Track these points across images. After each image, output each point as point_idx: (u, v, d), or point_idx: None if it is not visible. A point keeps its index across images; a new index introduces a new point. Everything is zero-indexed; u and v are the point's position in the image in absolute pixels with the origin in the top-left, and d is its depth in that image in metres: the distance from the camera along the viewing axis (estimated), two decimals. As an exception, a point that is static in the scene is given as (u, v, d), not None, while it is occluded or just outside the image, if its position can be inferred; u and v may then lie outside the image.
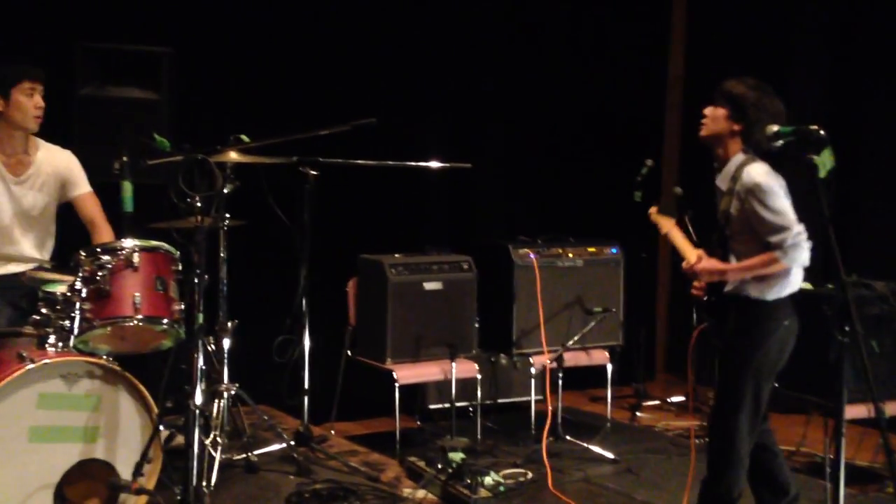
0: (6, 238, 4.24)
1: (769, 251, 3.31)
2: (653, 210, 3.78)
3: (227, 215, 4.26)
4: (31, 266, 4.19)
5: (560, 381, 4.94)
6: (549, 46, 6.21)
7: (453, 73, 5.97)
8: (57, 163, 4.36)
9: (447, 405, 5.08)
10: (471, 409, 5.09)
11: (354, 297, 5.13)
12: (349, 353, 5.08)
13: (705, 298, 3.49)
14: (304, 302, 4.49)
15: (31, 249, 4.28)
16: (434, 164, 4.96)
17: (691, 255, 3.51)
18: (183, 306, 3.87)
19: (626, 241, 5.41)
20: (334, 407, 5.02)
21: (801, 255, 3.32)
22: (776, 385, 3.48)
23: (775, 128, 3.25)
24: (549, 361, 4.92)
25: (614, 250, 5.42)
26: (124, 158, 4.22)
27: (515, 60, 6.13)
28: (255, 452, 4.37)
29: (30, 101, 4.17)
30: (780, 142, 3.22)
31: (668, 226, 3.68)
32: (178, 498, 3.61)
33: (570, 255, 5.30)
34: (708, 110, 3.47)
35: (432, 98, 5.89)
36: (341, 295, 5.13)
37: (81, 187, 4.39)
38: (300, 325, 4.49)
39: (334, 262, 5.09)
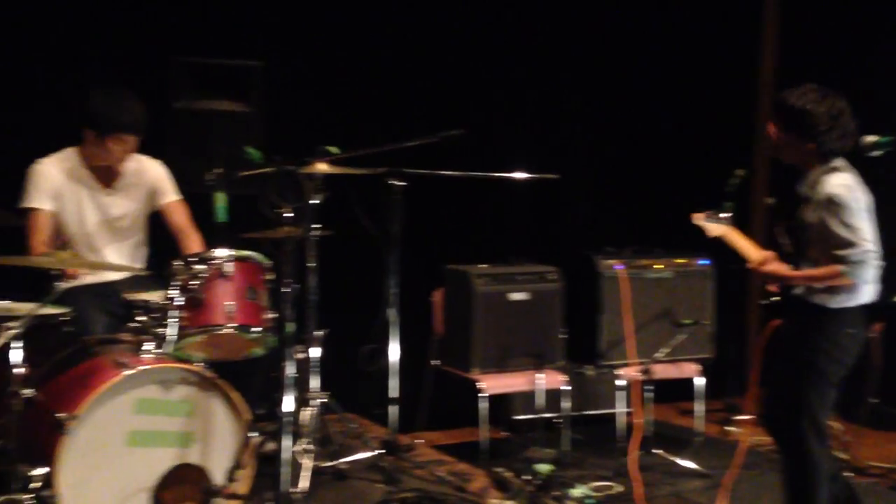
0: (96, 246, 4.39)
1: (835, 264, 3.31)
2: (698, 216, 3.79)
3: (317, 225, 4.34)
4: (126, 274, 4.36)
5: (649, 394, 4.92)
6: (637, 54, 6.19)
7: (539, 83, 5.99)
8: (146, 173, 4.50)
9: (533, 416, 5.10)
10: (557, 420, 5.10)
11: (441, 307, 5.18)
12: (435, 362, 5.13)
13: (775, 299, 3.51)
14: (391, 312, 4.54)
15: (119, 258, 4.43)
16: (520, 175, 4.99)
17: (755, 255, 3.54)
18: (274, 315, 3.97)
19: (717, 252, 5.36)
20: (421, 416, 5.07)
21: (867, 272, 3.32)
22: (874, 401, 3.45)
23: (873, 138, 3.23)
24: (637, 373, 4.91)
25: (705, 261, 5.38)
26: (217, 170, 4.33)
27: (601, 69, 6.12)
28: (344, 460, 4.44)
29: (118, 149, 4.29)
30: (880, 152, 3.21)
31: (719, 230, 3.71)
32: (270, 503, 3.71)
33: (659, 265, 5.28)
34: (774, 133, 3.47)
35: (518, 109, 5.92)
36: (428, 305, 5.19)
37: (170, 195, 4.53)
38: (387, 334, 4.54)
39: (421, 272, 5.14)
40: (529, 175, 4.99)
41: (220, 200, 4.25)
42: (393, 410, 4.54)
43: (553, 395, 5.06)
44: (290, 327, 3.83)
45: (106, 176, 4.41)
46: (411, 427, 5.01)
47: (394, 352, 4.55)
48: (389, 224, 4.50)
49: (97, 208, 4.38)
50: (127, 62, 4.94)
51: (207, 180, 4.33)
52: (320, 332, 4.36)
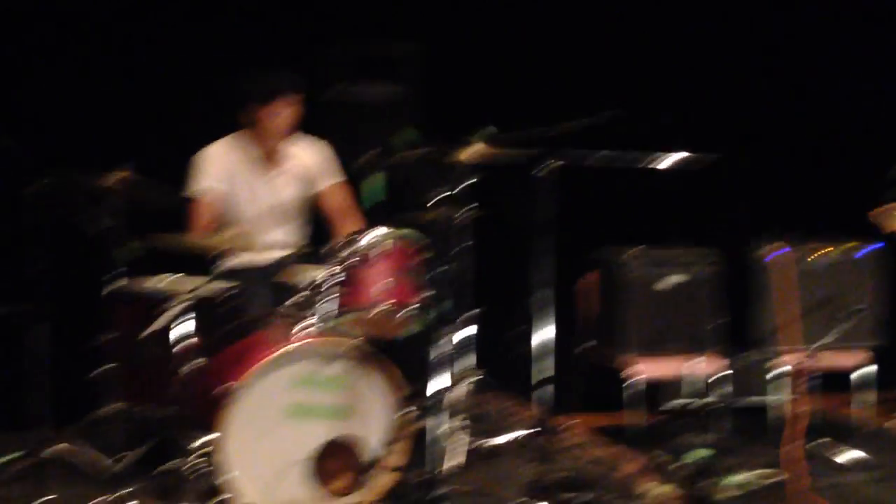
0: (261, 227, 4.54)
1: None
2: (878, 211, 3.63)
3: (471, 207, 4.36)
4: (289, 253, 4.49)
5: (813, 382, 4.77)
6: (803, 30, 5.99)
7: (699, 62, 5.87)
8: (311, 154, 4.63)
9: (688, 402, 5.02)
10: (712, 407, 5.00)
11: (594, 289, 5.15)
12: (587, 345, 5.11)
13: None
14: (545, 293, 4.53)
15: (286, 238, 4.57)
16: (678, 156, 4.89)
17: None
18: (429, 293, 4.03)
19: (891, 237, 5.14)
20: (573, 398, 5.04)
21: None
22: None
23: None
24: (801, 361, 4.76)
25: (876, 245, 5.17)
26: (373, 152, 4.42)
27: (763, 45, 5.95)
28: (497, 439, 4.46)
29: (285, 113, 4.43)
30: None
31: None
32: (424, 478, 3.78)
33: (825, 250, 5.10)
34: None
35: (677, 88, 5.82)
36: (570, 291, 5.17)
37: (333, 177, 4.65)
38: (541, 315, 4.53)
39: (574, 254, 5.10)
40: (688, 156, 4.88)
41: (377, 182, 4.33)
42: (545, 391, 4.53)
43: (710, 381, 4.96)
44: (446, 305, 3.88)
45: (274, 157, 4.55)
46: (563, 408, 4.95)
47: (546, 333, 4.53)
48: (543, 206, 4.47)
49: (266, 190, 4.54)
50: (285, 49, 5.07)
51: (364, 163, 4.43)
52: (475, 311, 4.39)
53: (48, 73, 4.73)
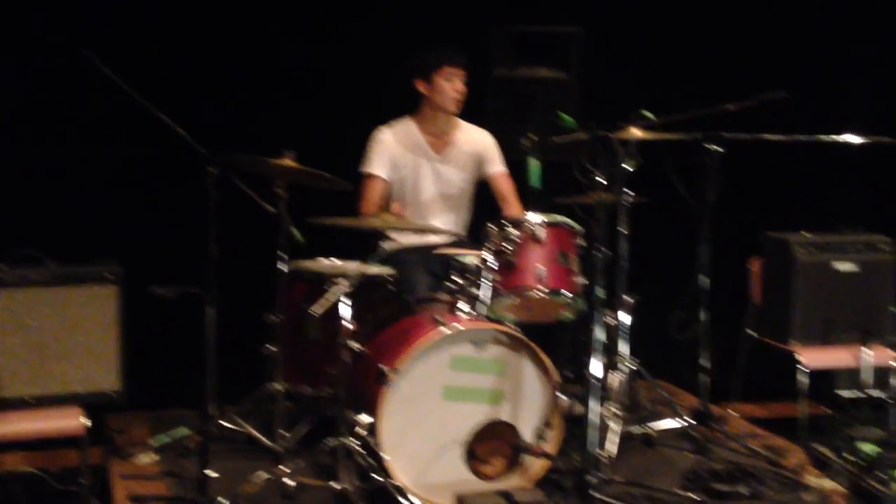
0: (426, 211, 4.62)
1: None
2: None
3: (630, 192, 4.31)
4: (448, 238, 4.55)
5: None
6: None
7: (875, 36, 5.57)
8: (475, 142, 4.68)
9: (859, 393, 4.81)
10: (885, 399, 4.76)
11: (758, 275, 4.99)
12: (751, 332, 4.96)
13: None
14: (703, 279, 4.43)
15: (449, 223, 4.63)
16: (853, 139, 4.66)
17: None
18: (584, 280, 3.99)
19: None
20: (734, 387, 4.92)
21: None
22: None
23: None
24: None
25: None
26: (533, 136, 4.41)
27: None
28: (653, 427, 4.41)
29: (449, 86, 4.50)
30: None
31: None
32: (577, 465, 3.75)
33: None
34: None
35: (852, 64, 5.54)
36: (743, 273, 5.02)
37: (496, 166, 4.70)
38: (699, 302, 4.43)
39: (737, 239, 4.98)
40: (864, 139, 4.65)
41: (535, 166, 4.33)
42: (704, 379, 4.44)
43: (881, 373, 4.73)
44: (600, 292, 3.83)
45: (440, 144, 4.62)
46: (723, 397, 4.88)
47: (705, 320, 4.43)
48: (705, 190, 4.38)
49: (433, 177, 4.62)
50: (449, 32, 5.10)
51: (522, 146, 4.42)
52: (630, 299, 4.33)
53: (211, 56, 4.90)
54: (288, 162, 3.83)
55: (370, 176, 4.56)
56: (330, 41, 5.08)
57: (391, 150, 4.57)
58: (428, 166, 4.61)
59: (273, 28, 5.01)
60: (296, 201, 3.96)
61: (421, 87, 4.54)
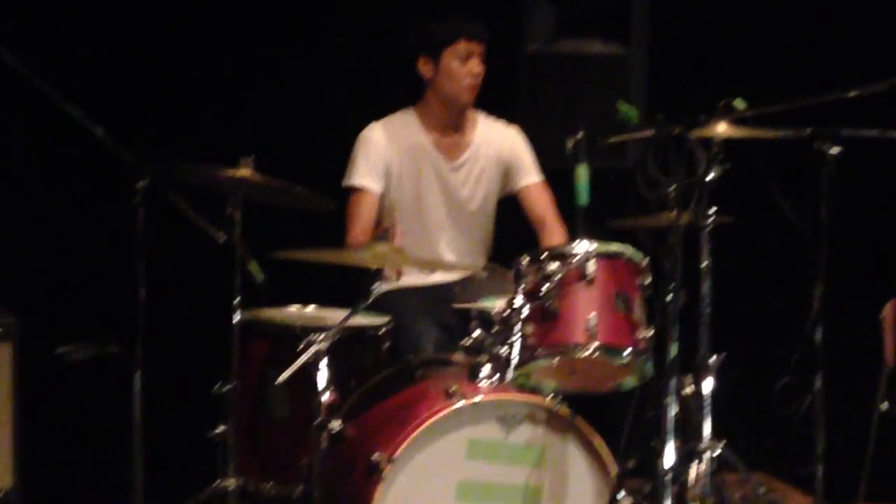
0: (433, 238, 4.58)
1: None
2: None
3: (713, 210, 4.25)
4: (463, 275, 4.50)
5: None
6: None
7: None
8: (500, 143, 4.64)
9: None
10: None
11: (894, 326, 4.93)
12: (884, 407, 4.90)
13: None
14: (818, 331, 4.37)
15: (458, 254, 4.59)
16: None
17: None
18: (652, 332, 3.92)
19: None
20: (863, 481, 4.85)
21: None
22: None
23: None
24: None
25: None
26: (580, 135, 4.36)
27: None
28: (748, 535, 4.34)
29: (463, 68, 4.46)
30: None
31: None
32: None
33: None
34: None
35: None
36: (873, 323, 4.96)
37: (530, 175, 4.66)
38: (813, 363, 4.37)
39: (864, 275, 4.95)
40: None
41: (583, 176, 4.28)
42: (818, 471, 4.37)
43: None
44: (674, 349, 3.76)
45: (452, 145, 4.60)
46: (850, 495, 4.81)
47: (821, 387, 4.37)
48: (817, 207, 4.33)
49: (440, 187, 4.59)
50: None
51: (567, 149, 4.38)
52: (716, 357, 4.27)
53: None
54: (246, 172, 3.80)
55: (357, 190, 4.53)
56: (305, 8, 5.07)
57: (384, 153, 4.54)
58: (435, 176, 4.57)
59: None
60: (257, 227, 3.93)
61: (425, 68, 4.51)
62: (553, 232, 4.60)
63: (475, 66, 4.49)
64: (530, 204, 4.67)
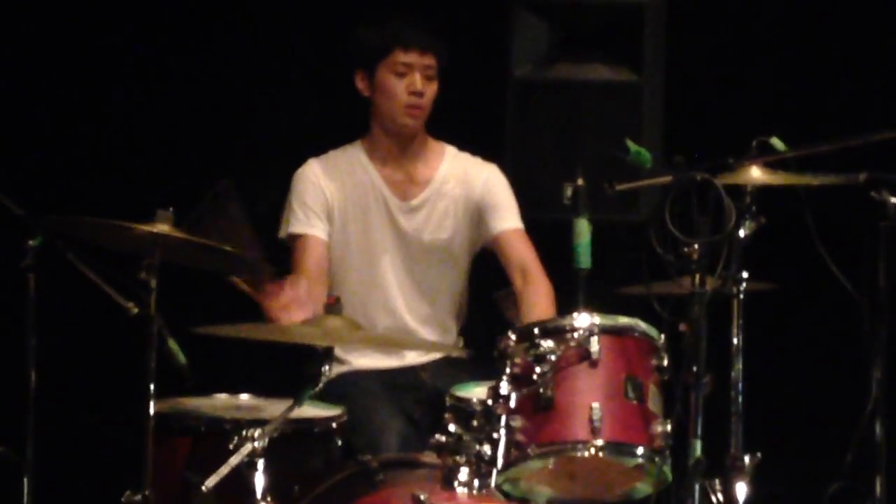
0: (388, 299, 4.58)
1: None
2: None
3: (746, 274, 4.25)
4: (433, 356, 4.49)
5: None
6: None
7: None
8: (471, 181, 4.64)
9: None
10: None
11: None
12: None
13: None
14: (878, 424, 4.36)
15: (424, 323, 4.58)
16: None
17: None
18: (670, 427, 3.91)
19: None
20: None
21: None
22: None
23: None
24: None
25: None
26: (580, 180, 4.36)
27: None
28: None
29: (399, 84, 4.46)
30: None
31: None
32: None
33: None
34: None
35: None
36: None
37: (506, 220, 4.64)
38: (872, 464, 4.36)
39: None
40: None
41: (584, 232, 4.27)
42: None
43: None
44: (698, 448, 3.78)
45: (406, 182, 4.59)
46: None
47: (883, 495, 4.35)
48: (875, 270, 4.33)
49: (393, 233, 4.59)
50: (447, 8, 5.10)
51: (564, 198, 4.38)
52: (750, 458, 4.25)
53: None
54: (163, 227, 3.78)
55: (298, 238, 4.52)
56: (236, 25, 5.10)
57: (323, 193, 4.55)
58: (386, 219, 4.58)
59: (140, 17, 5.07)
60: (177, 296, 3.90)
61: (362, 84, 4.57)
62: (537, 285, 4.56)
63: (416, 83, 4.48)
64: (507, 253, 4.63)
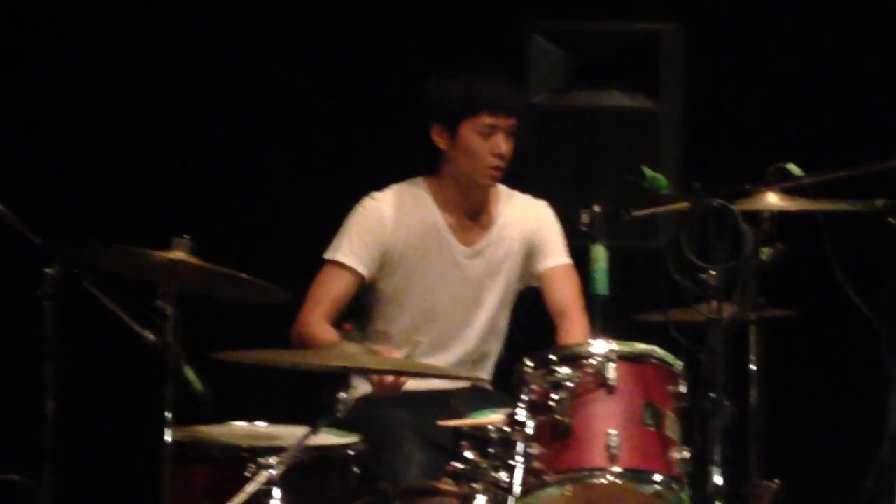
0: (444, 336, 4.59)
1: None
2: None
3: (764, 301, 4.25)
4: (462, 384, 4.51)
5: None
6: None
7: None
8: (526, 221, 4.64)
9: None
10: None
11: None
12: None
13: None
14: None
15: (468, 361, 4.60)
16: None
17: None
18: (689, 454, 3.89)
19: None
20: None
21: None
22: None
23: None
24: None
25: None
26: (597, 207, 4.36)
27: None
28: None
29: (484, 145, 4.44)
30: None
31: None
32: None
33: None
34: None
35: None
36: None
37: (556, 256, 4.65)
38: (892, 490, 4.34)
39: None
40: None
41: (601, 258, 4.27)
42: None
43: None
44: (717, 476, 3.78)
45: (470, 227, 4.60)
46: None
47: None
48: (892, 296, 4.33)
49: (455, 276, 4.60)
50: (463, 36, 5.11)
51: (582, 224, 4.37)
52: (769, 486, 4.25)
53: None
54: (181, 255, 3.79)
55: (336, 265, 4.51)
56: (263, 48, 5.13)
57: (388, 235, 4.52)
58: (449, 264, 4.58)
59: (161, 33, 5.08)
60: (194, 324, 3.90)
61: (440, 139, 4.50)
62: (575, 326, 4.55)
63: (501, 145, 4.46)
64: (553, 290, 4.62)
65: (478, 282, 4.61)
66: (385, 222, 4.52)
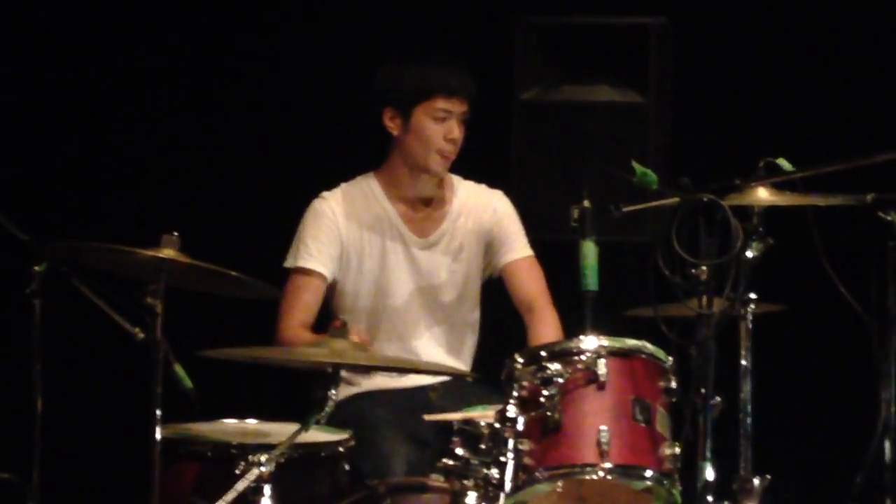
0: (402, 329, 4.58)
1: None
2: None
3: (753, 296, 4.26)
4: (441, 378, 4.50)
5: None
6: None
7: None
8: (481, 212, 4.64)
9: None
10: None
11: None
12: None
13: None
14: (887, 446, 4.35)
15: (438, 349, 4.59)
16: None
17: None
18: (679, 449, 3.89)
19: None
20: None
21: None
22: None
23: None
24: None
25: None
26: (586, 202, 4.36)
27: None
28: None
29: (438, 130, 4.46)
30: None
31: None
32: None
33: None
34: None
35: None
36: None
37: (515, 249, 4.65)
38: (881, 487, 4.34)
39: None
40: None
41: (590, 254, 4.27)
42: None
43: None
44: (708, 471, 3.79)
45: (423, 218, 4.60)
46: None
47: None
48: (883, 291, 4.33)
49: (411, 273, 4.59)
50: (446, 30, 5.11)
51: (572, 220, 4.38)
52: (759, 480, 4.25)
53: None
54: (169, 252, 3.79)
55: (300, 272, 4.52)
56: (248, 47, 5.13)
57: (341, 231, 4.53)
58: (403, 256, 4.58)
59: (146, 31, 5.08)
60: (183, 321, 3.91)
61: (392, 124, 4.51)
62: (543, 319, 4.57)
63: (453, 130, 4.47)
64: (515, 284, 4.64)
65: (434, 272, 4.61)
66: (336, 219, 4.54)
